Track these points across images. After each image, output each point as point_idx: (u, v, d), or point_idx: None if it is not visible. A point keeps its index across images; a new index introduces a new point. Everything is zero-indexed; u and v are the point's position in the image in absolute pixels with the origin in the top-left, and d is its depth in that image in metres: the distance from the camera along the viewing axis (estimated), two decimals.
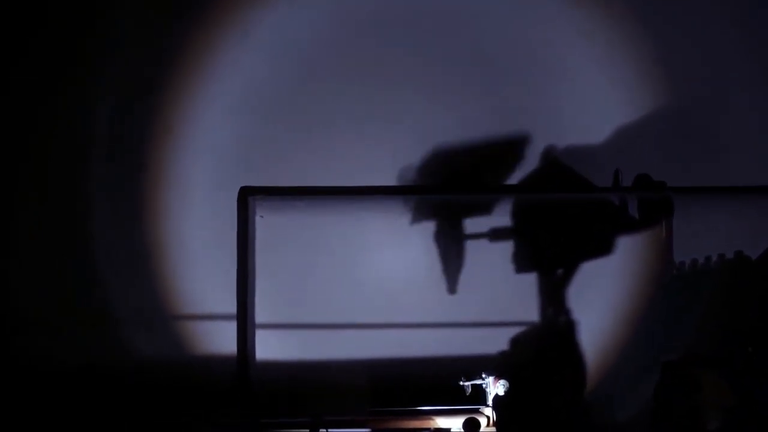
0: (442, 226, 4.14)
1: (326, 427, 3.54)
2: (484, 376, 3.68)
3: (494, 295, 4.14)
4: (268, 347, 3.95)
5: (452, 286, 4.13)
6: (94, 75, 4.15)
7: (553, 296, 4.11)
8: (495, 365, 3.98)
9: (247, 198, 3.56)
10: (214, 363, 4.06)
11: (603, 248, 4.13)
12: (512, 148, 4.16)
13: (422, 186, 4.14)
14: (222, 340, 4.04)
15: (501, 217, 4.14)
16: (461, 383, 3.70)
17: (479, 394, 3.70)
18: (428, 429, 3.64)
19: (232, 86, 4.17)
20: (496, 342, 4.11)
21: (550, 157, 4.16)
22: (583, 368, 4.11)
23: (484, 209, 4.13)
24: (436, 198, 4.12)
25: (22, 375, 4.04)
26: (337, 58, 4.15)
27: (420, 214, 4.14)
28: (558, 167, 4.15)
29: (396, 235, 4.14)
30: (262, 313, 3.70)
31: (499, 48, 4.18)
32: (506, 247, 4.15)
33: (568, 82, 4.18)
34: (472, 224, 4.14)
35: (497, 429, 3.63)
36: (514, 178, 4.17)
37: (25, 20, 4.15)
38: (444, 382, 3.75)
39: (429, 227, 4.15)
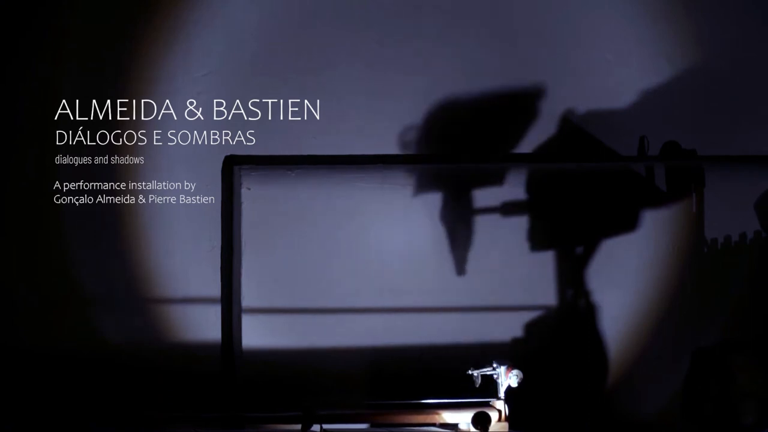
0: (448, 199, 4.08)
1: (320, 422, 3.43)
2: (495, 365, 3.56)
3: (507, 276, 4.06)
4: (256, 333, 3.94)
5: (460, 267, 4.05)
6: (65, 30, 4.08)
7: (572, 277, 4.07)
8: (507, 353, 3.93)
9: (233, 168, 3.63)
10: (197, 350, 3.98)
11: (627, 223, 4.07)
12: (527, 112, 4.09)
13: (427, 154, 4.08)
14: (205, 325, 3.98)
15: (514, 188, 4.08)
16: (470, 373, 3.58)
17: (490, 386, 3.57)
18: (433, 424, 3.55)
19: (217, 40, 4.09)
20: (509, 328, 4.06)
21: (569, 122, 4.09)
22: (605, 356, 4.07)
23: (496, 180, 4.07)
24: (442, 167, 4.08)
25: None
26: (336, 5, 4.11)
27: (424, 186, 4.08)
28: (578, 133, 4.09)
29: (398, 210, 4.07)
30: (249, 296, 3.82)
31: (516, 1, 4.14)
32: (520, 223, 4.08)
33: (591, 39, 4.12)
34: (483, 197, 4.08)
35: (510, 424, 3.52)
36: (529, 146, 4.09)
37: None
38: (451, 372, 3.66)
39: (434, 200, 4.09)
